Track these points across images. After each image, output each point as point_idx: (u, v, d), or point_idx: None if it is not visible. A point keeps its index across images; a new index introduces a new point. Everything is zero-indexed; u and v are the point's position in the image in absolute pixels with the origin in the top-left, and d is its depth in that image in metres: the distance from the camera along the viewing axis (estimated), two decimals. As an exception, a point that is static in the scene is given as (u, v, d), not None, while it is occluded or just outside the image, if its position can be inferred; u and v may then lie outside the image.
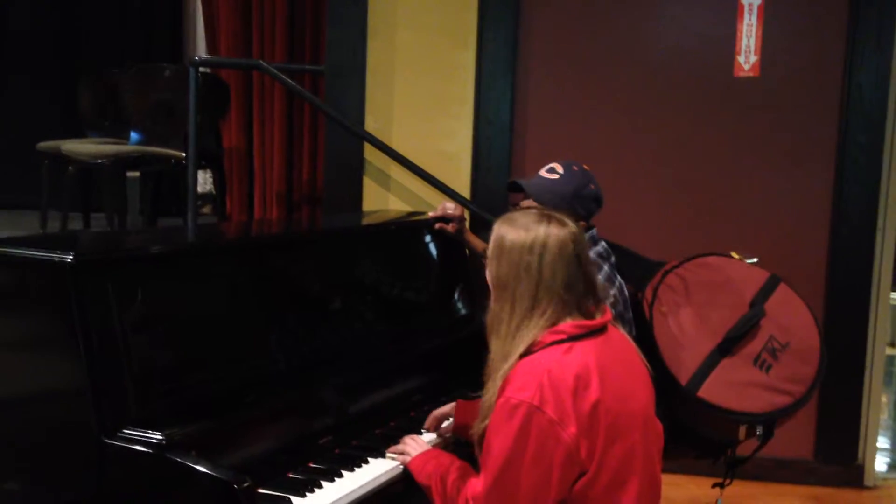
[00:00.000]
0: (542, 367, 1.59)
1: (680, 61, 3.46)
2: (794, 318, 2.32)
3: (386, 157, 3.50)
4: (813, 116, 3.43)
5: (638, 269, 2.47)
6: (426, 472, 1.81)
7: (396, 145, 3.48)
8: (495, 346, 1.72)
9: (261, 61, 3.36)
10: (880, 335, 3.48)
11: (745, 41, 3.44)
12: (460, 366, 2.25)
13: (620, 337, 1.75)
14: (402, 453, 1.91)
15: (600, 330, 1.69)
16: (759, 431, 2.19)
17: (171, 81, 3.83)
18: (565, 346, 1.63)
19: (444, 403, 2.13)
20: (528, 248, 1.68)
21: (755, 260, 3.42)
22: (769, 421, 2.19)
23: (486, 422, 1.66)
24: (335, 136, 3.55)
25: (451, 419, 2.08)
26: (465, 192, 3.53)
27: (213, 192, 4.54)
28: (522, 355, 1.64)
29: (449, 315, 2.54)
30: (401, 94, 3.56)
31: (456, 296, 2.56)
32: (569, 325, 1.65)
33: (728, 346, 2.24)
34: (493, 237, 1.76)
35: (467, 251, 2.71)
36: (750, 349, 2.25)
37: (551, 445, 1.56)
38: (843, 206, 3.42)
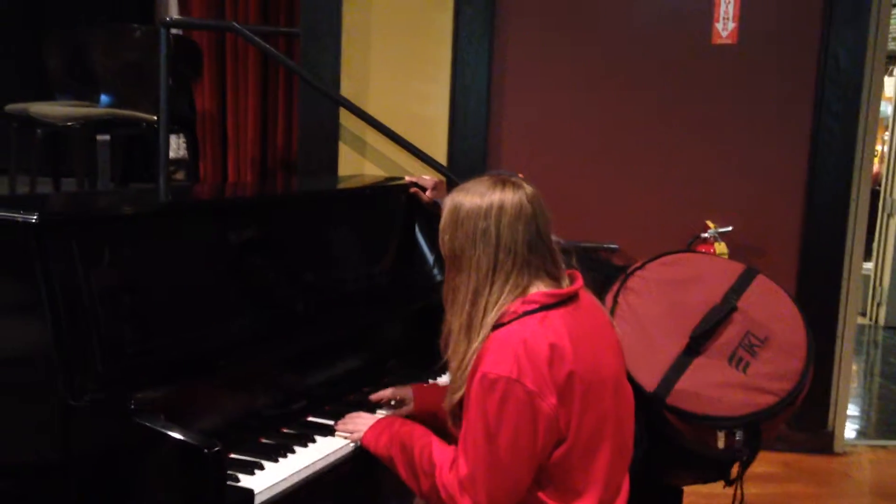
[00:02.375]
0: (517, 339, 1.57)
1: (658, 28, 3.44)
2: (773, 311, 2.08)
3: (361, 122, 3.45)
4: (789, 85, 3.42)
5: (599, 276, 2.21)
6: (381, 443, 1.79)
7: (372, 109, 3.43)
8: (453, 316, 1.69)
9: (234, 23, 3.28)
10: (852, 305, 3.52)
11: (723, 7, 3.41)
12: (430, 333, 2.25)
13: (591, 302, 1.74)
14: (352, 431, 1.86)
15: (572, 297, 1.67)
16: (738, 437, 1.94)
17: (142, 42, 3.74)
18: (538, 315, 1.60)
19: (411, 371, 2.10)
20: (483, 213, 1.64)
21: (729, 228, 3.46)
22: (751, 424, 1.95)
23: (457, 395, 1.65)
24: (310, 100, 3.50)
25: (407, 403, 2.01)
26: (442, 157, 3.50)
27: (187, 156, 4.47)
28: (494, 327, 1.61)
29: (424, 281, 2.51)
30: (377, 57, 3.51)
31: (430, 263, 2.53)
32: (541, 293, 1.63)
33: (696, 344, 2.00)
34: (446, 208, 1.71)
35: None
36: (723, 347, 2.01)
37: (532, 416, 1.54)
38: (818, 176, 3.43)
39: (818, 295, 3.46)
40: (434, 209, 2.51)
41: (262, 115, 4.10)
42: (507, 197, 1.64)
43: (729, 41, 3.42)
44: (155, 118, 3.52)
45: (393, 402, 2.02)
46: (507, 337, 1.58)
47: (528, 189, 1.67)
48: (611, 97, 3.50)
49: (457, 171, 3.43)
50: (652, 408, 1.95)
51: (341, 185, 2.83)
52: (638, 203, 3.54)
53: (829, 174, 3.43)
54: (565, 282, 1.69)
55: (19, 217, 1.48)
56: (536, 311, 1.60)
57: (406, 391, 2.01)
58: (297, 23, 3.83)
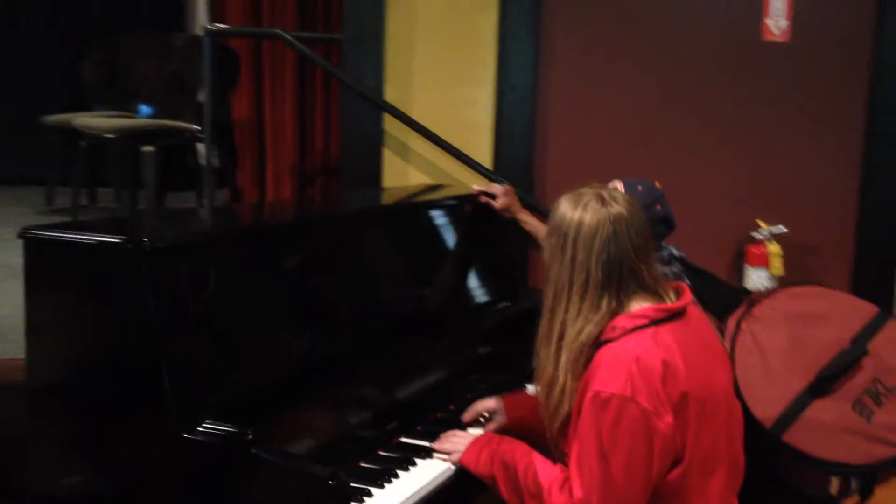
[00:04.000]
0: (629, 356, 1.53)
1: (708, 24, 3.38)
2: None
3: (405, 128, 3.41)
4: (842, 82, 3.36)
5: (719, 297, 2.21)
6: (482, 461, 1.75)
7: (416, 115, 3.38)
8: (541, 323, 1.69)
9: (278, 30, 3.24)
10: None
11: (773, 4, 3.35)
12: (508, 346, 2.20)
13: (699, 316, 1.69)
14: (450, 451, 1.82)
15: (681, 312, 1.63)
16: (853, 486, 1.96)
17: (182, 51, 3.71)
18: (649, 330, 1.56)
19: (494, 385, 2.07)
20: (564, 226, 1.63)
21: (784, 230, 3.40)
22: (867, 474, 1.94)
23: (559, 417, 1.61)
24: (353, 107, 3.45)
25: (498, 415, 1.98)
26: (488, 162, 3.46)
27: (218, 165, 4.43)
28: (600, 343, 1.57)
29: (498, 293, 2.47)
30: (420, 61, 3.46)
31: (498, 277, 2.49)
32: (650, 308, 1.59)
33: (821, 385, 1.96)
34: (552, 209, 1.71)
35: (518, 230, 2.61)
36: (848, 391, 1.96)
37: (648, 436, 1.50)
38: (872, 175, 3.37)
39: (872, 297, 3.40)
40: (506, 213, 2.47)
41: (300, 122, 4.05)
42: (589, 214, 1.61)
43: (781, 38, 3.36)
44: (197, 128, 3.48)
45: (483, 418, 1.99)
46: (619, 353, 1.54)
47: (616, 208, 1.62)
48: (659, 96, 3.44)
49: (503, 176, 3.38)
50: (765, 440, 1.92)
51: (409, 198, 2.77)
52: (688, 203, 3.45)
53: (883, 174, 3.37)
54: (669, 296, 1.64)
55: (129, 242, 1.44)
56: (646, 327, 1.56)
57: (495, 403, 1.98)
58: (335, 29, 3.79)
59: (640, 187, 2.14)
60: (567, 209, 1.64)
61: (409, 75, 3.47)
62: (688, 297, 1.65)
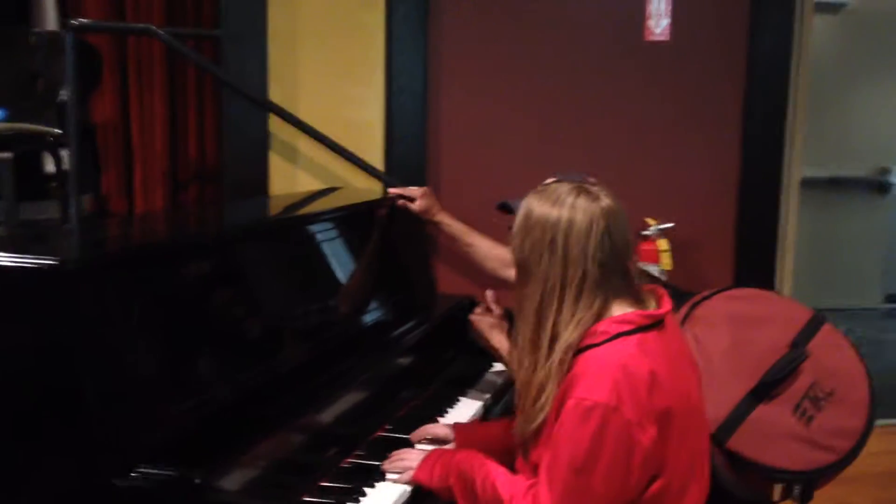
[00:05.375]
0: (615, 363, 1.46)
1: (593, 25, 3.42)
2: (839, 363, 2.03)
3: (292, 131, 3.25)
4: (720, 80, 3.48)
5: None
6: (436, 475, 1.66)
7: (303, 116, 3.23)
8: (521, 327, 1.59)
9: (151, 26, 2.99)
10: (786, 293, 3.63)
11: (655, 4, 3.43)
12: (433, 355, 2.10)
13: (674, 324, 1.65)
14: (401, 470, 1.73)
15: (662, 320, 1.58)
16: (796, 492, 1.92)
17: (38, 49, 3.37)
18: (634, 337, 1.50)
19: (434, 397, 1.97)
20: (552, 222, 1.54)
21: (671, 225, 3.49)
22: (809, 480, 1.91)
23: (534, 424, 1.53)
24: (235, 108, 3.26)
25: (449, 441, 1.90)
26: (380, 163, 3.35)
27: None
28: (583, 348, 1.51)
29: (416, 302, 2.36)
30: (306, 59, 3.31)
31: (421, 280, 2.39)
32: (636, 314, 1.53)
33: (765, 390, 1.93)
34: (520, 209, 1.61)
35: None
36: (789, 396, 1.94)
37: (629, 448, 1.44)
38: (749, 168, 3.51)
39: (753, 280, 3.54)
40: (426, 215, 2.36)
41: (170, 124, 3.77)
42: (580, 208, 1.53)
43: (662, 38, 3.45)
44: (59, 132, 3.17)
45: (429, 440, 1.88)
46: (604, 360, 1.47)
47: (606, 201, 1.56)
48: (549, 95, 3.45)
49: (396, 176, 3.29)
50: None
51: (320, 204, 2.60)
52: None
53: (759, 168, 3.52)
54: (651, 301, 1.60)
55: (42, 262, 1.24)
56: (632, 333, 1.50)
57: (444, 430, 1.88)
58: (207, 25, 3.56)
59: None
60: (545, 207, 1.55)
61: (294, 74, 3.30)
62: (668, 303, 1.61)
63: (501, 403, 2.22)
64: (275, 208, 2.45)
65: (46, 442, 1.29)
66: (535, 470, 1.56)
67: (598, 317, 1.53)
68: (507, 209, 2.12)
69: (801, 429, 1.92)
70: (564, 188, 1.58)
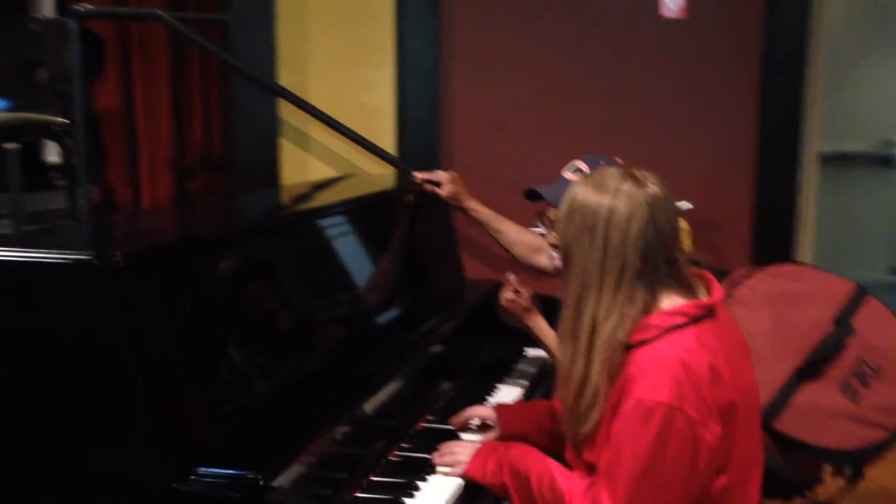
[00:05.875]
0: (674, 359, 1.40)
1: (607, 2, 3.35)
2: (886, 339, 1.95)
3: (303, 116, 3.19)
4: (737, 57, 3.43)
5: None
6: (490, 470, 1.62)
7: (314, 101, 3.16)
8: (564, 317, 1.53)
9: (158, 10, 2.91)
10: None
11: (670, -20, 3.37)
12: (466, 343, 2.06)
13: (726, 312, 1.59)
14: (452, 464, 1.67)
15: (715, 308, 1.53)
16: (847, 471, 1.87)
17: (38, 36, 3.28)
18: (690, 330, 1.44)
19: (471, 387, 1.92)
20: (593, 209, 1.47)
21: (690, 206, 3.44)
22: (859, 459, 1.86)
23: (589, 424, 1.48)
24: (245, 94, 3.20)
25: (492, 428, 1.85)
26: (392, 148, 3.29)
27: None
28: (635, 344, 1.46)
29: (446, 290, 2.31)
30: (315, 43, 3.24)
31: (449, 266, 2.33)
32: (689, 305, 1.47)
33: (810, 370, 1.87)
34: (567, 193, 1.54)
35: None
36: (836, 374, 1.88)
37: (694, 448, 1.38)
38: (766, 146, 3.47)
39: (771, 259, 3.50)
40: (453, 201, 2.31)
41: (175, 111, 3.69)
42: (623, 196, 1.46)
43: (678, 15, 3.39)
44: (65, 121, 3.09)
45: (475, 426, 1.83)
46: (661, 356, 1.41)
47: (652, 188, 1.49)
48: (562, 74, 3.38)
49: (409, 162, 3.23)
50: None
51: (347, 192, 2.51)
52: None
53: (776, 144, 3.47)
54: (700, 288, 1.54)
55: (96, 259, 1.18)
56: (686, 326, 1.45)
57: (487, 412, 1.83)
58: (210, 9, 3.48)
59: (602, 163, 2.03)
60: (589, 193, 1.48)
61: (303, 58, 3.24)
62: (719, 290, 1.55)
63: (539, 391, 2.18)
64: (300, 198, 2.39)
65: (99, 446, 1.24)
66: (589, 467, 1.51)
67: (646, 310, 1.46)
68: (535, 196, 2.07)
69: (849, 407, 1.87)
70: (611, 173, 1.51)
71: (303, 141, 3.27)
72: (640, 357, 1.43)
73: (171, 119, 3.68)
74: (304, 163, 3.28)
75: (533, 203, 2.12)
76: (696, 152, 3.47)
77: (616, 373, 1.44)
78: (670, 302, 1.48)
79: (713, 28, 3.38)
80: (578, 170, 2.06)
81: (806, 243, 3.57)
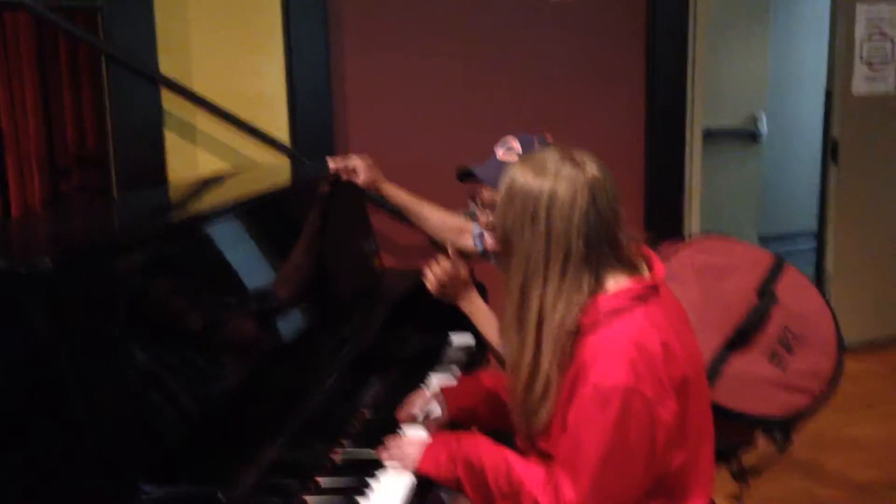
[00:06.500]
0: (627, 341, 1.39)
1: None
2: (806, 306, 2.00)
3: (189, 106, 3.03)
4: (623, 36, 3.49)
5: None
6: (442, 464, 1.56)
7: (199, 90, 3.01)
8: (508, 306, 1.49)
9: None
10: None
11: (555, -40, 3.39)
12: (392, 334, 1.99)
13: (666, 286, 1.57)
14: (401, 459, 1.61)
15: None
16: (776, 437, 1.90)
17: None
18: (639, 310, 1.42)
19: (403, 379, 1.86)
20: (534, 195, 1.43)
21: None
22: (788, 424, 1.91)
23: (545, 412, 1.44)
24: (124, 84, 2.99)
25: (437, 410, 1.79)
26: (284, 137, 3.17)
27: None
28: (582, 329, 1.42)
29: (369, 281, 2.23)
30: (197, 29, 3.07)
31: (367, 257, 2.25)
32: (635, 286, 1.45)
33: (739, 340, 1.91)
34: (503, 178, 1.50)
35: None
36: (763, 343, 1.93)
37: (653, 428, 1.38)
38: (654, 122, 3.56)
39: (663, 234, 3.60)
40: (371, 188, 2.22)
41: (44, 106, 3.42)
42: (563, 180, 1.43)
43: (565, -4, 3.42)
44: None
45: (420, 416, 1.77)
46: (615, 339, 1.39)
47: (591, 170, 1.46)
48: (455, 58, 3.35)
49: (303, 152, 3.13)
50: None
51: (261, 184, 2.35)
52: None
53: (664, 121, 3.56)
54: (643, 266, 1.53)
55: (21, 265, 1.04)
56: (635, 306, 1.43)
57: (430, 396, 1.77)
58: (76, -6, 3.24)
59: (536, 142, 2.01)
60: (528, 177, 1.44)
61: (185, 45, 3.06)
62: (661, 267, 1.55)
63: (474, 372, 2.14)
64: (192, 196, 2.24)
65: (38, 465, 1.11)
66: (543, 456, 1.48)
67: (592, 293, 1.45)
68: (470, 176, 2.02)
69: (776, 374, 1.92)
70: (549, 156, 1.48)
71: (189, 133, 3.10)
72: (592, 342, 1.41)
73: (38, 115, 3.41)
74: (193, 156, 3.11)
75: (463, 183, 2.07)
76: (590, 130, 3.52)
77: (567, 360, 1.42)
78: (615, 283, 1.47)
79: (600, 9, 3.43)
80: (510, 148, 2.02)
81: (693, 215, 3.69)
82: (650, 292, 1.47)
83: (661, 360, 1.40)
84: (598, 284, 1.46)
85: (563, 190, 1.42)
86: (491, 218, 1.50)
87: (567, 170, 1.44)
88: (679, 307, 1.58)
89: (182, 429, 1.29)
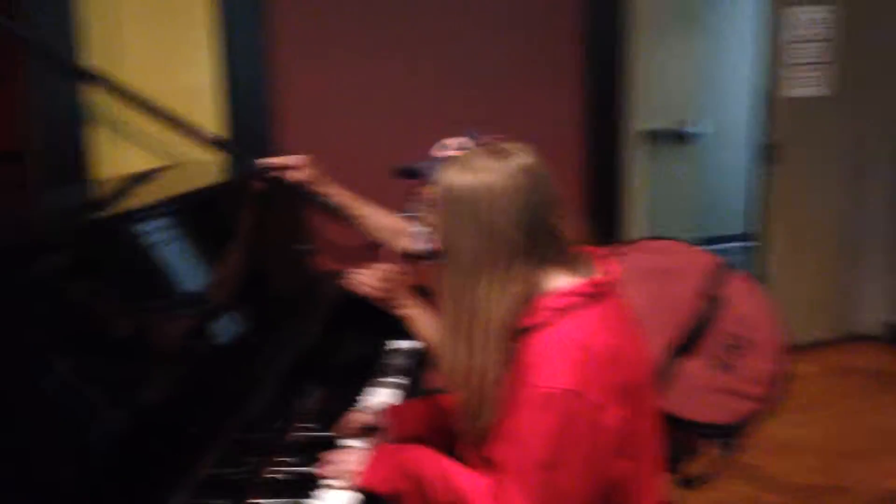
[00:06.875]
0: (572, 342, 1.33)
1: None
2: (750, 310, 1.97)
3: (116, 100, 2.87)
4: (558, 32, 3.46)
5: None
6: (381, 477, 1.48)
7: (126, 82, 2.86)
8: (451, 314, 1.42)
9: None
10: (635, 234, 3.70)
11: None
12: (326, 340, 1.90)
13: (615, 288, 1.53)
14: (340, 475, 1.52)
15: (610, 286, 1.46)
16: (721, 444, 1.87)
17: None
18: (589, 311, 1.37)
19: (340, 389, 1.77)
20: (472, 193, 1.38)
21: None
22: (734, 432, 1.87)
23: (484, 419, 1.38)
24: (42, 75, 2.82)
25: (380, 430, 1.71)
26: (220, 131, 3.04)
27: None
28: (525, 329, 1.36)
29: (307, 283, 2.13)
30: (123, 17, 2.92)
31: (301, 259, 2.15)
32: (583, 285, 1.39)
33: (684, 345, 1.87)
34: (439, 187, 1.43)
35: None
36: (708, 348, 1.89)
37: (598, 434, 1.32)
38: (592, 121, 3.53)
39: (601, 227, 3.57)
40: (312, 186, 2.12)
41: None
42: (496, 170, 1.38)
43: (502, -9, 3.37)
44: None
45: (359, 431, 1.69)
46: (559, 340, 1.33)
47: (522, 159, 1.41)
48: (391, 51, 3.27)
49: (240, 147, 3.00)
50: None
51: (177, 184, 2.22)
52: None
53: (600, 121, 3.54)
54: (583, 265, 1.46)
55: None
56: (580, 306, 1.37)
57: (373, 417, 1.68)
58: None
59: (472, 140, 1.93)
60: (465, 177, 1.39)
61: (109, 34, 2.90)
62: (616, 267, 1.49)
63: (415, 386, 2.05)
64: (116, 194, 2.11)
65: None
66: (487, 463, 1.41)
67: (534, 290, 1.39)
68: (412, 174, 1.94)
69: (721, 379, 1.88)
70: (478, 153, 1.43)
71: (116, 128, 2.94)
72: (536, 342, 1.35)
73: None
74: (120, 152, 2.95)
75: (403, 181, 1.99)
76: (525, 129, 3.44)
77: (508, 361, 1.36)
78: (557, 282, 1.41)
79: (537, 8, 3.39)
80: (446, 146, 1.95)
81: (632, 217, 3.68)
82: (602, 291, 1.42)
83: (607, 365, 1.35)
84: (542, 281, 1.40)
85: (498, 183, 1.38)
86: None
87: (499, 162, 1.39)
88: (625, 308, 1.53)
89: (102, 445, 1.18)
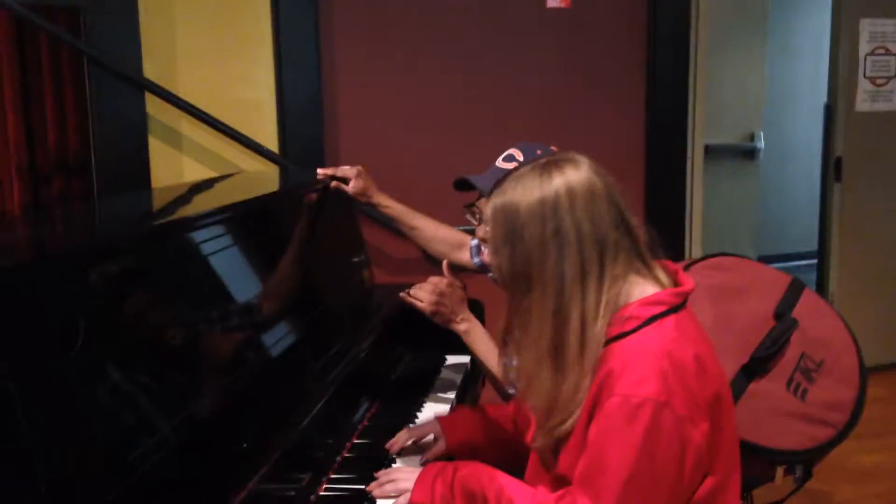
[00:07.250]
0: (659, 351, 1.26)
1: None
2: (826, 331, 1.85)
3: (175, 112, 2.92)
4: (623, 46, 3.40)
5: None
6: (438, 494, 1.44)
7: (184, 96, 2.90)
8: (525, 350, 1.35)
9: (1, -5, 2.56)
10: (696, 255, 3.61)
11: (555, -31, 3.30)
12: (383, 355, 1.87)
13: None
14: (395, 493, 1.48)
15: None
16: (797, 472, 1.75)
17: None
18: (669, 319, 1.30)
19: (395, 404, 1.73)
20: (550, 206, 1.29)
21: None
22: (811, 459, 1.76)
23: (566, 426, 1.32)
24: (107, 88, 2.87)
25: (435, 442, 1.68)
26: (274, 145, 3.05)
27: None
28: (611, 338, 1.30)
29: (360, 296, 2.10)
30: (184, 34, 2.96)
31: (357, 271, 2.13)
32: (667, 293, 1.33)
33: (756, 366, 1.75)
34: (493, 217, 1.35)
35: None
36: (781, 370, 1.76)
37: (681, 448, 1.25)
38: (654, 136, 3.45)
39: (665, 244, 3.49)
40: (362, 197, 2.11)
41: (24, 111, 3.30)
42: (570, 175, 1.31)
43: (562, 4, 3.32)
44: None
45: (413, 445, 1.65)
46: (645, 348, 1.27)
47: (586, 160, 1.35)
48: (448, 66, 3.25)
49: (293, 160, 3.01)
50: None
51: (236, 193, 2.22)
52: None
53: (664, 137, 3.46)
54: (662, 274, 1.40)
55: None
56: (666, 315, 1.31)
57: (428, 428, 1.64)
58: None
59: (539, 151, 1.89)
60: (532, 193, 1.31)
61: (171, 49, 2.95)
62: (689, 279, 1.43)
63: (472, 398, 2.01)
64: (173, 200, 2.12)
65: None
66: (559, 481, 1.36)
67: (621, 298, 1.32)
68: (468, 186, 1.91)
69: (796, 404, 1.76)
70: (532, 172, 1.34)
71: (175, 139, 2.98)
72: (621, 350, 1.29)
73: (19, 120, 3.29)
74: (178, 163, 2.99)
75: (460, 193, 1.95)
76: (587, 144, 3.40)
77: (593, 372, 1.30)
78: (640, 289, 1.34)
79: (598, 17, 3.34)
80: (510, 157, 1.91)
81: (695, 233, 3.59)
82: (681, 302, 1.36)
83: (694, 375, 1.28)
84: (625, 287, 1.33)
85: (577, 185, 1.30)
86: (488, 230, 1.37)
87: (568, 168, 1.33)
88: (700, 325, 1.46)
89: (152, 457, 1.17)
